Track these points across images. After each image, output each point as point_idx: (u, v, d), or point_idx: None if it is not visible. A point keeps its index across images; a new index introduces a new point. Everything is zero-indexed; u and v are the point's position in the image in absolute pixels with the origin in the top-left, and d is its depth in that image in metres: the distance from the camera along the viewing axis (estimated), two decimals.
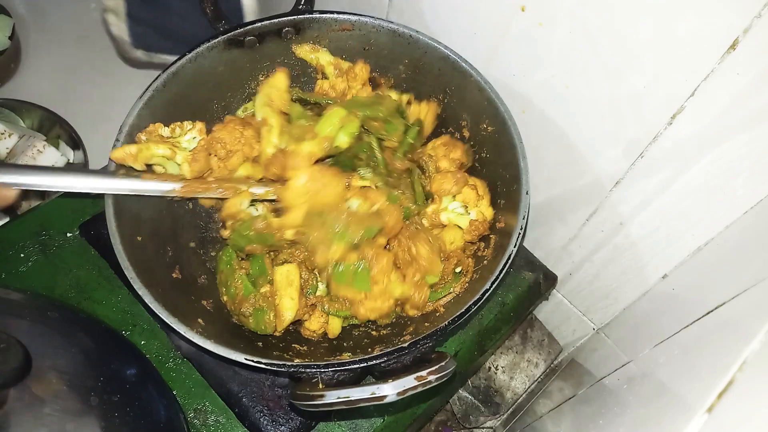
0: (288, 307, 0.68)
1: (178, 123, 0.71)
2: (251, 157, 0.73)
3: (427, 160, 0.77)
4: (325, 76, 0.84)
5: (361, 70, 0.80)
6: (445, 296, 0.71)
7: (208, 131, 0.72)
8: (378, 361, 0.58)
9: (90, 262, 0.81)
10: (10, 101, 1.15)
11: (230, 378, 0.73)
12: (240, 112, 0.82)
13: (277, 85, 0.74)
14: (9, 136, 1.06)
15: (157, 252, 0.68)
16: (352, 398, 0.53)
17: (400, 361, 0.59)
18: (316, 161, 0.69)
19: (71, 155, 1.12)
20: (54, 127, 1.14)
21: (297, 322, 0.73)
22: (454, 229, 0.74)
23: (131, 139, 0.68)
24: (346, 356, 0.68)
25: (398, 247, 0.70)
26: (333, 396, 0.53)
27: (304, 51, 0.81)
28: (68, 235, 0.83)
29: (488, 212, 0.74)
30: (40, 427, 0.50)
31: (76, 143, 1.12)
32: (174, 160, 0.68)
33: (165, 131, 0.69)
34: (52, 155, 1.05)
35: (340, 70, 0.82)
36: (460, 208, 0.74)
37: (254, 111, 0.75)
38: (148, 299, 0.59)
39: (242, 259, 0.74)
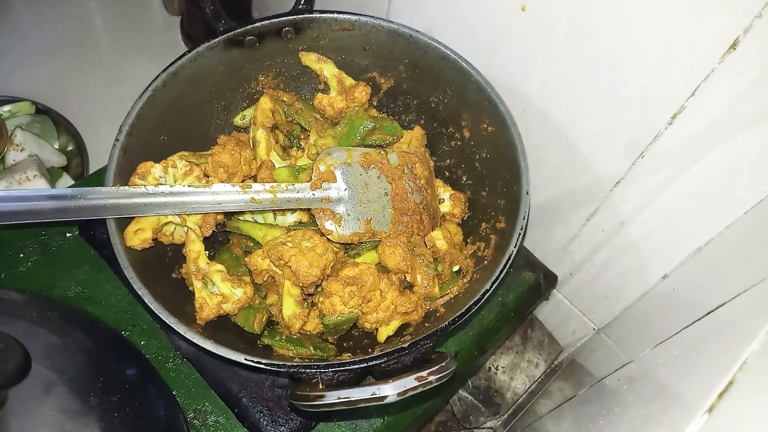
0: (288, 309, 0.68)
1: (171, 161, 0.70)
2: (249, 176, 0.75)
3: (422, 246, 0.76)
4: (326, 88, 0.84)
5: (361, 93, 0.81)
6: (444, 296, 0.71)
7: (202, 144, 0.72)
8: (378, 362, 0.57)
9: (89, 263, 0.81)
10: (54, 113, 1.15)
11: (230, 378, 0.73)
12: (238, 119, 0.82)
13: (262, 107, 0.79)
14: (21, 150, 1.06)
15: (156, 252, 0.68)
16: (353, 399, 0.53)
17: (401, 362, 0.59)
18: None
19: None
20: (74, 159, 1.15)
21: None
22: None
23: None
24: (347, 356, 0.68)
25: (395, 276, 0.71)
26: (333, 396, 0.53)
27: (310, 60, 0.81)
28: (68, 235, 0.83)
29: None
30: (40, 427, 0.50)
31: (82, 175, 1.13)
32: (186, 225, 0.70)
33: (157, 170, 0.69)
34: (39, 186, 1.03)
35: (343, 86, 0.82)
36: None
37: (250, 121, 0.78)
38: (148, 299, 0.59)
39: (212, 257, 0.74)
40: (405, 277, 0.71)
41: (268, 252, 0.67)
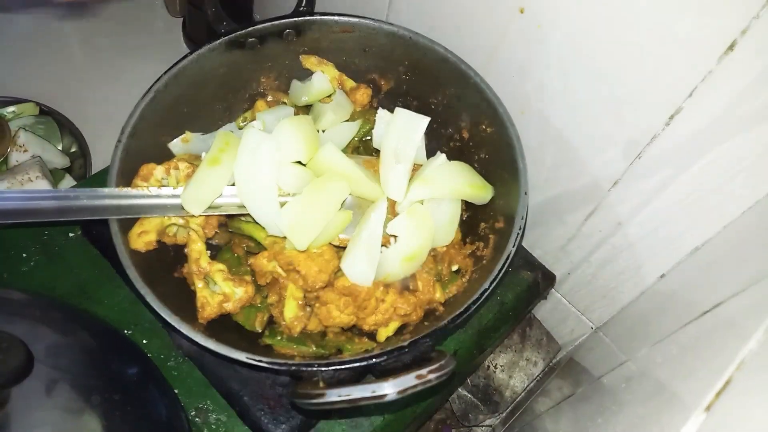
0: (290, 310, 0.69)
1: (173, 162, 0.71)
2: None
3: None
4: None
5: (362, 95, 0.81)
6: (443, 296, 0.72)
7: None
8: (378, 360, 0.58)
9: (92, 262, 0.82)
10: (57, 114, 1.16)
11: (231, 377, 0.73)
12: (239, 122, 0.82)
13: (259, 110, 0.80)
14: (24, 151, 1.07)
15: (158, 252, 0.69)
16: (353, 397, 0.53)
17: (401, 360, 0.59)
18: None
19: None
20: (77, 160, 1.15)
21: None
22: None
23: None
24: (347, 355, 0.68)
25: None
26: (334, 395, 0.54)
27: (311, 62, 0.82)
28: (70, 235, 0.84)
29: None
30: (42, 425, 0.50)
31: (84, 177, 1.13)
32: (189, 227, 0.70)
33: (159, 172, 0.69)
34: (41, 188, 1.03)
35: (343, 87, 0.82)
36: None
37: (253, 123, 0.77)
38: (150, 299, 0.59)
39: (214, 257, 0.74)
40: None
41: (275, 256, 0.68)
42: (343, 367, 0.57)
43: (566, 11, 0.66)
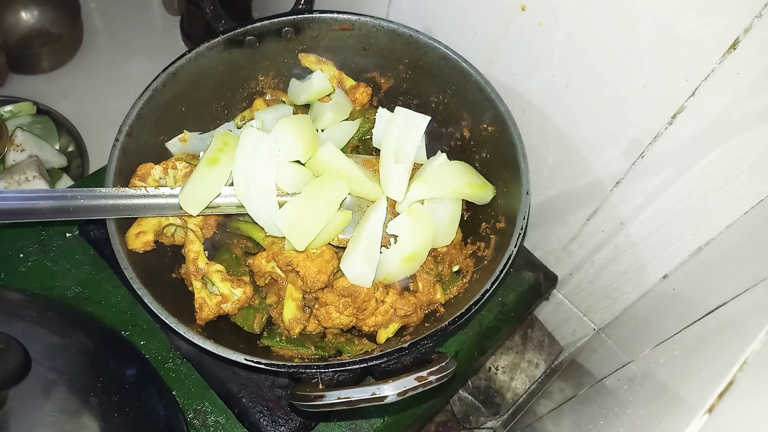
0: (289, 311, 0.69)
1: (171, 162, 0.70)
2: None
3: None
4: None
5: (362, 94, 0.81)
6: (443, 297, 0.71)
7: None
8: (378, 362, 0.57)
9: (89, 263, 0.81)
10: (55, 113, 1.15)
11: (230, 378, 0.73)
12: (238, 121, 0.82)
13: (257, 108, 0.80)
14: (21, 151, 1.06)
15: (156, 252, 0.68)
16: (353, 399, 0.53)
17: (401, 362, 0.59)
18: None
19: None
20: (75, 160, 1.15)
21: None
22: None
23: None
24: (347, 356, 0.68)
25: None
26: (333, 396, 0.53)
27: (310, 61, 0.81)
28: (67, 235, 0.83)
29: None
30: (39, 427, 0.50)
31: (82, 176, 1.13)
32: (187, 227, 0.69)
33: (157, 171, 0.69)
34: (38, 187, 1.03)
35: (342, 85, 0.82)
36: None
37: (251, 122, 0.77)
38: (148, 299, 0.59)
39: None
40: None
41: (274, 256, 0.67)
42: (342, 368, 0.57)
43: (567, 9, 0.66)
